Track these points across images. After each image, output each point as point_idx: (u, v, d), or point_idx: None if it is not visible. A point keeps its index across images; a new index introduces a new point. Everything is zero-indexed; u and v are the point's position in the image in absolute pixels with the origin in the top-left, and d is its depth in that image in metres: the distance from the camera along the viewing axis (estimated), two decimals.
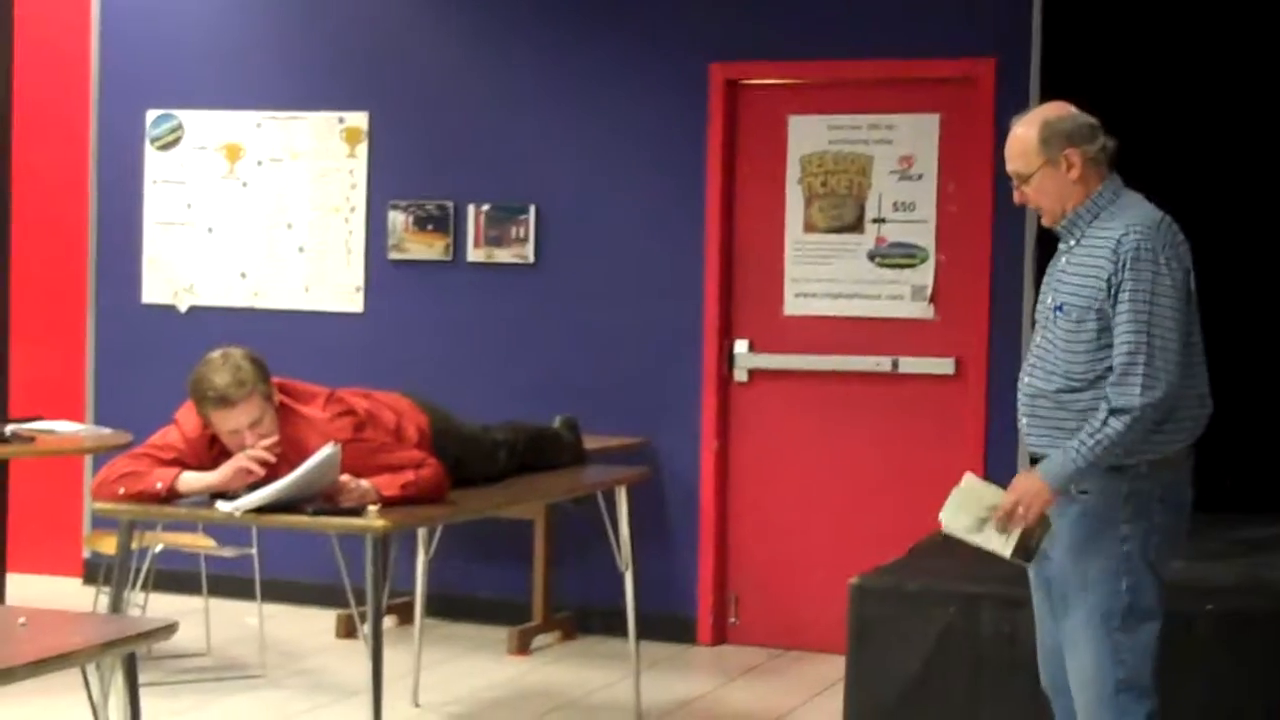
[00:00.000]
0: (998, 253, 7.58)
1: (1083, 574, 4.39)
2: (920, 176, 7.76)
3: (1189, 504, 4.51)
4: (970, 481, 4.52)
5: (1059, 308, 4.43)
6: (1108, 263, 4.35)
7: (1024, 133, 4.51)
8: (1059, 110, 4.57)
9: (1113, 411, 4.27)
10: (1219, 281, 7.06)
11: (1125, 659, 4.35)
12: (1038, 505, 4.36)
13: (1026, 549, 4.39)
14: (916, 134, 7.77)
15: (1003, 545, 4.40)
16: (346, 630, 7.87)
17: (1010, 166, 4.55)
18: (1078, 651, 4.41)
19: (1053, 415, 4.44)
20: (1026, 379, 4.54)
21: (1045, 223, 4.62)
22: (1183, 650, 4.95)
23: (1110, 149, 4.50)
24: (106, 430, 7.56)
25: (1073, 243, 4.50)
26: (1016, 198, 4.58)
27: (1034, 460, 4.53)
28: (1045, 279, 4.60)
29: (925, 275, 7.75)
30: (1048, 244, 7.25)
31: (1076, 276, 4.42)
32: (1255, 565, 5.74)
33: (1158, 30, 7.18)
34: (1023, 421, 4.57)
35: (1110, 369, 4.32)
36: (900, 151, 7.80)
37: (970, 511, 4.43)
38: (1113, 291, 4.33)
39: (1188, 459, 4.48)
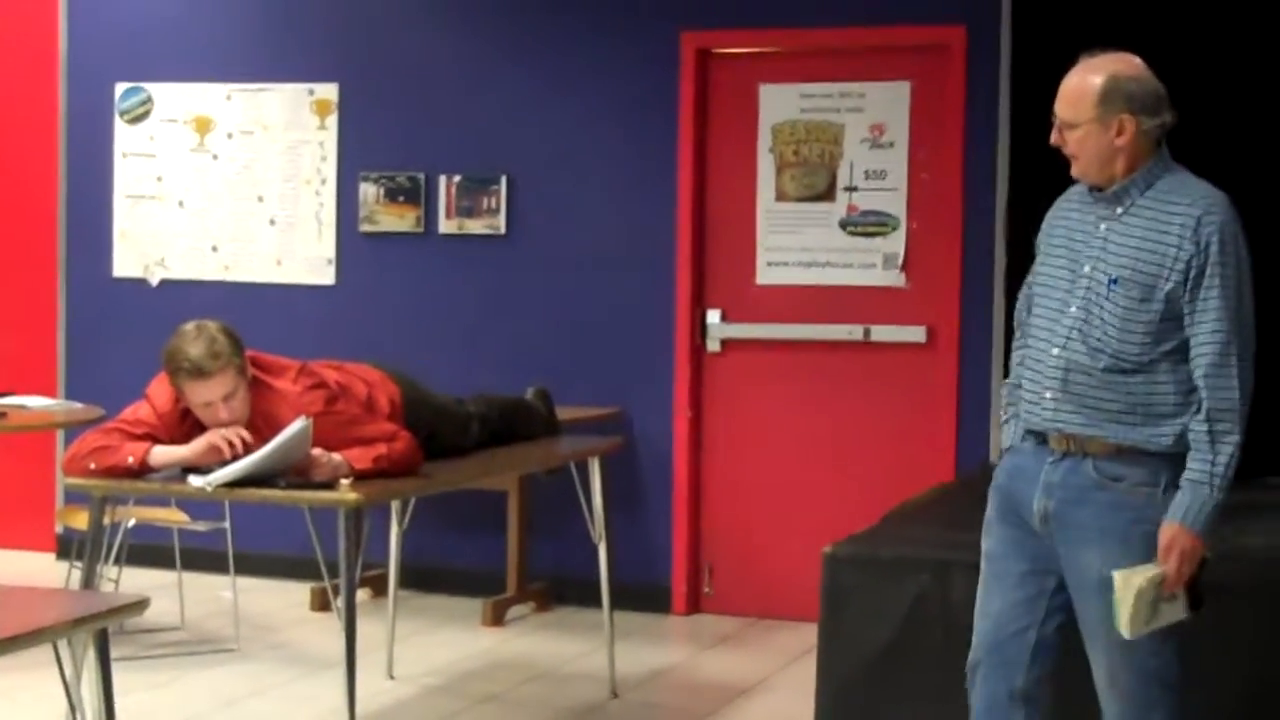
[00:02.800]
0: (969, 220, 7.59)
1: (1110, 567, 4.03)
2: (891, 145, 7.76)
3: None
4: (1124, 578, 3.99)
5: (1114, 281, 4.05)
6: (1186, 242, 3.99)
7: (1086, 81, 4.13)
8: (1131, 68, 4.17)
9: (1218, 419, 4.00)
10: None
11: (1159, 649, 4.08)
12: (1196, 559, 3.99)
13: (1198, 595, 4.05)
14: (887, 102, 7.77)
15: (1179, 610, 4.04)
16: (320, 603, 7.87)
17: (1060, 110, 4.17)
18: (1107, 647, 4.10)
19: (1092, 393, 4.07)
20: (1056, 350, 4.13)
21: (1074, 172, 4.20)
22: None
23: (1169, 125, 4.14)
24: (78, 405, 7.57)
25: (1119, 210, 4.11)
26: (1054, 139, 4.19)
27: (1037, 435, 4.20)
28: (1067, 242, 4.20)
29: (897, 243, 7.75)
30: (1019, 211, 7.32)
31: (1134, 250, 4.05)
32: (1236, 533, 5.74)
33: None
34: (1045, 395, 4.15)
35: (1166, 353, 4.03)
36: (871, 120, 7.79)
37: (1142, 604, 3.97)
38: (1191, 275, 3.98)
39: None
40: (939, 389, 7.66)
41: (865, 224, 7.78)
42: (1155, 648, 4.06)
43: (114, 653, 3.80)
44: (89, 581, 5.32)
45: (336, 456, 5.20)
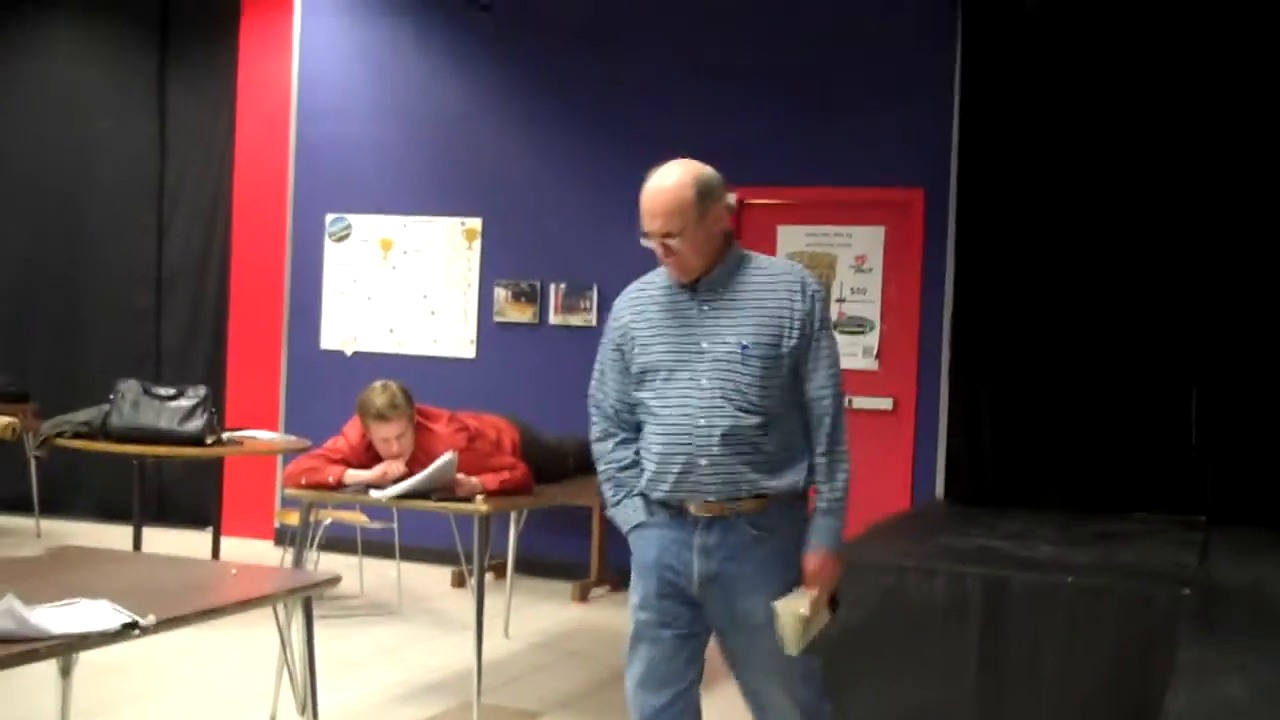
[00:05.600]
0: (924, 324, 7.56)
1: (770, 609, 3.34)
2: (870, 270, 7.76)
3: None
4: (785, 608, 3.33)
5: (745, 347, 3.32)
6: (798, 302, 3.36)
7: (677, 192, 3.38)
8: (700, 166, 3.45)
9: (835, 453, 3.39)
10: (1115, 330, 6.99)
11: (814, 679, 3.46)
12: (839, 575, 3.43)
13: (834, 600, 3.48)
14: (868, 240, 7.77)
15: (825, 617, 3.44)
16: (458, 581, 7.87)
17: (662, 225, 3.38)
18: (771, 682, 3.42)
19: (740, 451, 3.32)
20: (704, 421, 3.32)
21: (683, 278, 3.43)
22: (1048, 613, 4.92)
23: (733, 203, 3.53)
24: (293, 437, 7.61)
25: (722, 291, 3.39)
26: (662, 254, 3.43)
27: (673, 508, 3.38)
28: (663, 331, 3.44)
29: (873, 339, 7.73)
30: (960, 318, 7.29)
31: (753, 319, 3.35)
32: (1110, 550, 5.69)
33: (1051, 168, 7.14)
34: (700, 462, 3.32)
35: (794, 403, 3.38)
36: (856, 252, 7.79)
37: (800, 624, 3.34)
38: (806, 330, 3.36)
39: None
40: (900, 443, 7.62)
41: (851, 325, 7.77)
42: (814, 679, 3.47)
43: (314, 612, 3.81)
44: (298, 562, 5.34)
45: (474, 479, 5.23)
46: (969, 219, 7.34)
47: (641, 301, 3.53)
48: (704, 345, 3.36)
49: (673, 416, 3.36)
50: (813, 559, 3.36)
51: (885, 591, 5.15)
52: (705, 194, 3.39)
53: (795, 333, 3.35)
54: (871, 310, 7.74)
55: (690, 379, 3.36)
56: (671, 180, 3.41)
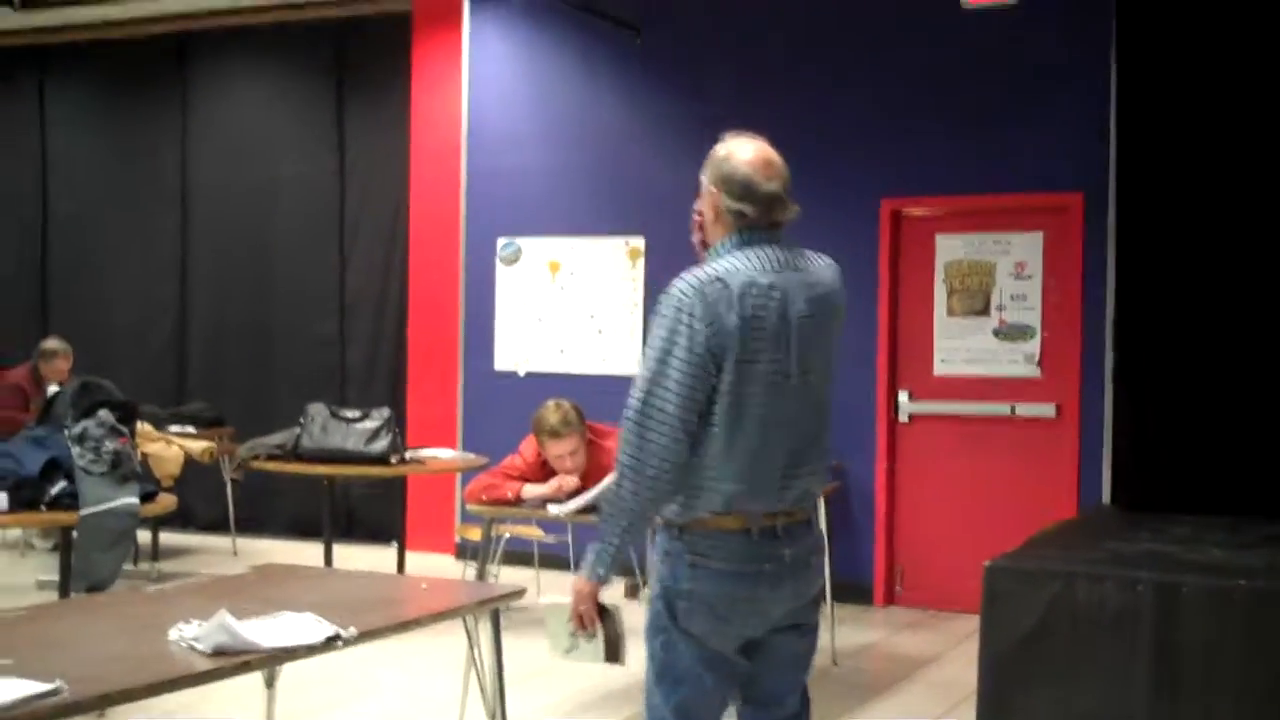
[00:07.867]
0: (1086, 330, 7.46)
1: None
2: (1030, 277, 7.68)
3: (741, 575, 3.02)
4: (549, 604, 3.19)
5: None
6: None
7: (717, 151, 3.14)
8: (739, 150, 3.09)
9: (618, 474, 2.95)
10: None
11: (651, 689, 3.08)
12: (586, 602, 3.01)
13: (613, 649, 3.11)
14: (1027, 247, 7.69)
15: (594, 654, 3.11)
16: (631, 592, 7.92)
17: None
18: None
19: None
20: None
21: (696, 237, 3.22)
22: (1221, 617, 4.82)
23: (751, 220, 3.10)
24: (471, 455, 7.77)
25: None
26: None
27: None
28: None
29: (1034, 346, 7.64)
30: (1123, 324, 7.16)
31: None
32: (1276, 555, 5.54)
33: (1212, 168, 6.99)
34: None
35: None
36: (1016, 259, 7.72)
37: (562, 631, 3.11)
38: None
39: (739, 529, 2.99)
40: (1064, 450, 7.52)
41: (1011, 332, 7.70)
42: (655, 716, 3.09)
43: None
44: (481, 575, 5.47)
45: None
46: (1129, 222, 7.20)
47: None
48: None
49: None
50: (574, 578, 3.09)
51: (1054, 598, 5.10)
52: (712, 170, 3.11)
53: None
54: (1032, 317, 7.65)
55: None
56: (732, 143, 3.11)
